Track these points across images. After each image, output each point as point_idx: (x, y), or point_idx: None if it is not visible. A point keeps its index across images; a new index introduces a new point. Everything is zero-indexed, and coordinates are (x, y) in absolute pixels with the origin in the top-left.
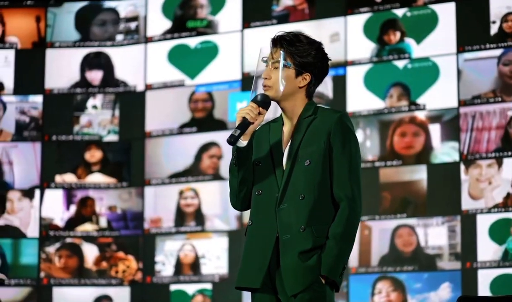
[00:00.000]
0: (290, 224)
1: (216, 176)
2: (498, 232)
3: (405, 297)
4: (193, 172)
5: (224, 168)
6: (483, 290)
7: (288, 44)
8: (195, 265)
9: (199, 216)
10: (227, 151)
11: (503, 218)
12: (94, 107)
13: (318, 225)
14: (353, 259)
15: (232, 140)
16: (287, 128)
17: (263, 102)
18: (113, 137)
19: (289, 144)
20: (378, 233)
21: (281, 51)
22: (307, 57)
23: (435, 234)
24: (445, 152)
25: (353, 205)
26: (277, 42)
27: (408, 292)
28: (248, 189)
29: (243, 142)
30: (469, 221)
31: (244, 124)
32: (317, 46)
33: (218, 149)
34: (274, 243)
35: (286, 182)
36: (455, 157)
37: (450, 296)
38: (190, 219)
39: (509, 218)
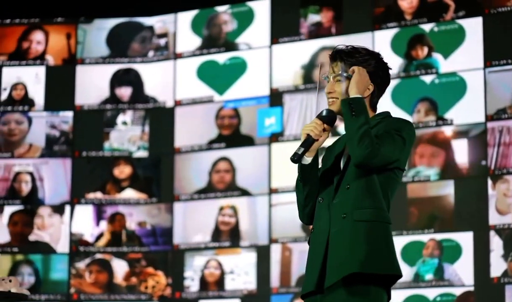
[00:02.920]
0: (337, 216)
1: (244, 192)
2: (410, 254)
3: None
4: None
5: (240, 181)
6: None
7: (348, 56)
8: (220, 281)
9: (234, 235)
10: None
11: (416, 241)
12: (124, 123)
13: (360, 210)
14: (275, 279)
15: (295, 159)
16: None
17: (328, 117)
18: (142, 153)
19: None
20: (299, 254)
21: (341, 63)
22: (368, 67)
23: None
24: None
25: (376, 147)
26: (336, 55)
27: None
28: (314, 204)
29: (307, 159)
30: None
31: (308, 141)
32: (377, 56)
33: (226, 163)
34: (326, 242)
35: (339, 180)
36: (483, 172)
37: None
38: (225, 236)
39: (422, 241)
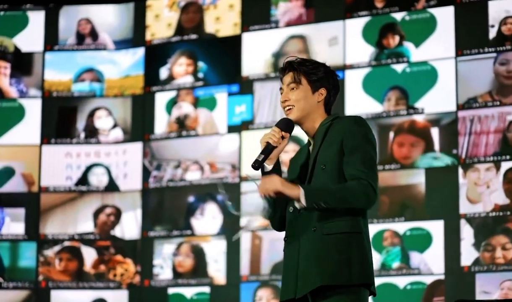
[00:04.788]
0: (306, 227)
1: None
2: (379, 243)
3: None
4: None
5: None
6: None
7: (299, 64)
8: (189, 269)
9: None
10: None
11: (386, 229)
12: None
13: (328, 223)
14: (245, 267)
15: (256, 165)
16: (312, 147)
17: (286, 125)
18: None
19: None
20: (268, 242)
21: (292, 72)
22: (318, 73)
23: None
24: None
25: (360, 187)
26: (287, 67)
27: None
28: (283, 211)
29: (268, 167)
30: None
31: (268, 149)
32: (324, 64)
33: None
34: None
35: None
36: (453, 161)
37: None
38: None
39: (383, 229)
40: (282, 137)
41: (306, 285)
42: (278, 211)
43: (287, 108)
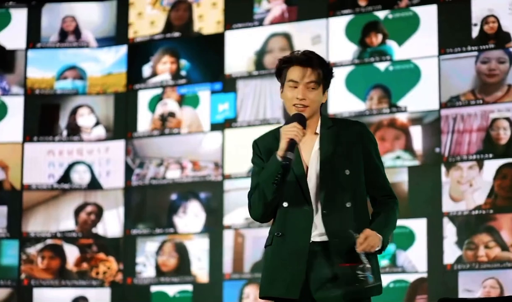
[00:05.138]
0: (337, 231)
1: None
2: None
3: None
4: None
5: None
6: None
7: (323, 65)
8: (175, 267)
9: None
10: None
11: None
12: None
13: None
14: (227, 265)
15: (288, 164)
16: (304, 140)
17: (304, 122)
18: None
19: (318, 155)
20: (251, 240)
21: (318, 70)
22: (331, 76)
23: None
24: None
25: (397, 206)
26: (311, 62)
27: None
28: (276, 205)
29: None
30: None
31: (293, 145)
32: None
33: None
34: (308, 252)
35: (324, 192)
36: (437, 159)
37: None
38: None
39: None
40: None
41: (353, 292)
42: (273, 204)
43: (301, 106)
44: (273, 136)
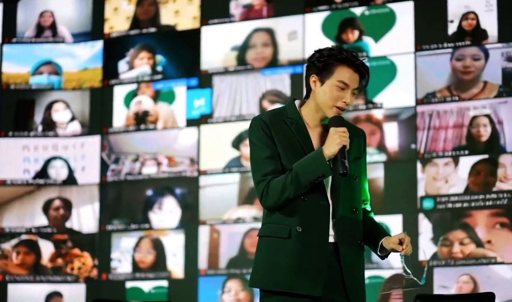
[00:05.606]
0: (349, 235)
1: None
2: None
3: (253, 297)
4: None
5: None
6: None
7: (367, 75)
8: (150, 263)
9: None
10: None
11: None
12: None
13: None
14: (203, 261)
15: (346, 171)
16: (313, 132)
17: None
18: None
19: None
20: (227, 236)
21: (363, 81)
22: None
23: None
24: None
25: None
26: (364, 71)
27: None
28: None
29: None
30: None
31: (345, 152)
32: None
33: None
34: (327, 251)
35: (337, 192)
36: (413, 155)
37: None
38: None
39: None
40: None
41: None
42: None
43: (342, 109)
44: (281, 119)
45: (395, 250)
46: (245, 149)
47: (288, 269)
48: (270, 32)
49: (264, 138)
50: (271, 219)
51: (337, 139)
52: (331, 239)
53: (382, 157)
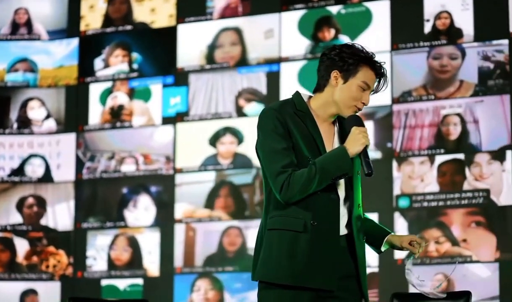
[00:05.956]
0: (358, 230)
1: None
2: None
3: (222, 296)
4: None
5: None
6: None
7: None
8: (126, 261)
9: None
10: None
11: None
12: None
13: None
14: (178, 259)
15: (372, 171)
16: (321, 127)
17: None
18: None
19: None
20: (203, 234)
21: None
22: None
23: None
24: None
25: None
26: (384, 78)
27: (228, 292)
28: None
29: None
30: None
31: (367, 152)
32: None
33: None
34: (339, 244)
35: (349, 188)
36: (389, 154)
37: None
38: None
39: None
40: None
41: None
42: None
43: (358, 109)
44: (292, 111)
45: (405, 249)
46: (222, 147)
47: (305, 263)
48: (238, 31)
49: (280, 129)
50: (284, 212)
51: (361, 139)
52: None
53: None
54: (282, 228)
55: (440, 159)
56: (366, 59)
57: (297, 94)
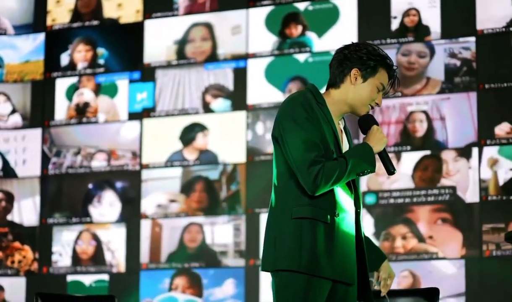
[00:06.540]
0: (363, 232)
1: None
2: None
3: (201, 293)
4: None
5: None
6: (265, 286)
7: None
8: (91, 256)
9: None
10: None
11: None
12: None
13: None
14: (144, 255)
15: (395, 170)
16: (337, 125)
17: None
18: None
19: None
20: (169, 230)
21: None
22: None
23: (221, 232)
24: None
25: None
26: (397, 84)
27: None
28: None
29: None
30: (253, 220)
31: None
32: None
33: None
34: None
35: (357, 188)
36: None
37: (234, 292)
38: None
39: None
40: None
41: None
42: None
43: (372, 108)
44: (315, 102)
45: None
46: (190, 142)
47: (333, 255)
48: (209, 26)
49: (313, 119)
50: (309, 202)
51: (383, 138)
52: None
53: None
54: (309, 217)
55: (411, 155)
56: (385, 62)
57: (313, 86)
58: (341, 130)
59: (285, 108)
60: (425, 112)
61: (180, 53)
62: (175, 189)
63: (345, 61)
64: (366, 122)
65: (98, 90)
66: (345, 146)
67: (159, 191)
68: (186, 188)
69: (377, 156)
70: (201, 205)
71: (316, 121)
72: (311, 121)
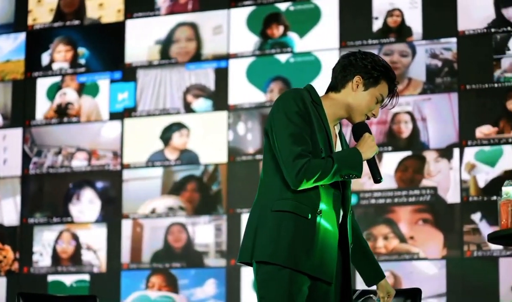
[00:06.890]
0: (362, 239)
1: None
2: None
3: (177, 291)
4: None
5: None
6: (246, 286)
7: None
8: (72, 256)
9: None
10: None
11: None
12: None
13: None
14: (125, 255)
15: (382, 179)
16: (332, 128)
17: None
18: None
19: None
20: (150, 230)
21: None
22: None
23: (202, 232)
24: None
25: None
26: (394, 96)
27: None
28: None
29: None
30: (234, 220)
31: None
32: None
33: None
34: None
35: (346, 190)
36: None
37: (215, 292)
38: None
39: None
40: None
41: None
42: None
43: (368, 118)
44: (310, 100)
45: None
46: (171, 142)
47: (312, 252)
48: (194, 26)
49: (303, 113)
50: (292, 196)
51: (374, 146)
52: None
53: None
54: (290, 211)
55: (392, 155)
56: (389, 75)
57: (311, 86)
58: (336, 135)
59: (278, 103)
60: (410, 113)
61: (164, 53)
62: (155, 189)
63: (349, 67)
64: (360, 129)
65: (81, 90)
66: (338, 150)
67: (141, 191)
68: (179, 186)
69: (365, 163)
70: (193, 204)
71: (308, 116)
72: (302, 116)
